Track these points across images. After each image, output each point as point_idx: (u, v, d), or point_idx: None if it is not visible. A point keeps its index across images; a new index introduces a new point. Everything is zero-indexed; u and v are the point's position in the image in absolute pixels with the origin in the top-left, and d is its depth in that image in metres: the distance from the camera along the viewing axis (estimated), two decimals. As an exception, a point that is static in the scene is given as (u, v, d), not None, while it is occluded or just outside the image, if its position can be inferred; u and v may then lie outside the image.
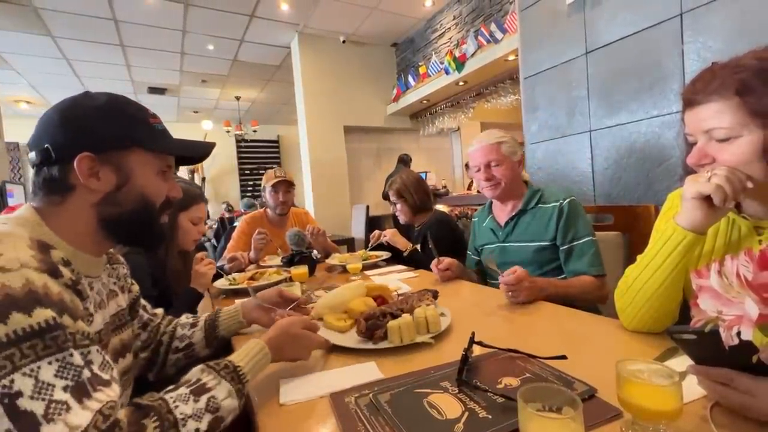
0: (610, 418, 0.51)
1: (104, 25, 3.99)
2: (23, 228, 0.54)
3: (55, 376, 0.42)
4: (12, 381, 0.39)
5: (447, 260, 1.39)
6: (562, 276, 1.24)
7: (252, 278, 1.58)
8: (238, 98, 6.72)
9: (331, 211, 4.92)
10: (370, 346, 0.79)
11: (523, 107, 2.28)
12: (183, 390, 0.52)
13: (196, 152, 0.71)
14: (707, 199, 0.63)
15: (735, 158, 0.62)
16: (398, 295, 1.12)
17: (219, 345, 0.92)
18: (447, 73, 4.17)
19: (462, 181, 6.34)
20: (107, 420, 0.42)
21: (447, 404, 0.56)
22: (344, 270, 1.70)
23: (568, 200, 1.26)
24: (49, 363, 0.42)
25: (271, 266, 1.83)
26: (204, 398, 0.52)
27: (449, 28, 4.45)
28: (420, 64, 4.76)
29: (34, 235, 0.53)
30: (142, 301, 0.87)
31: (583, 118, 1.93)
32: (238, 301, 1.00)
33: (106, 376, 0.47)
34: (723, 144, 0.63)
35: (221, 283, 1.54)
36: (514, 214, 1.35)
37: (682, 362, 0.54)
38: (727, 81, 0.61)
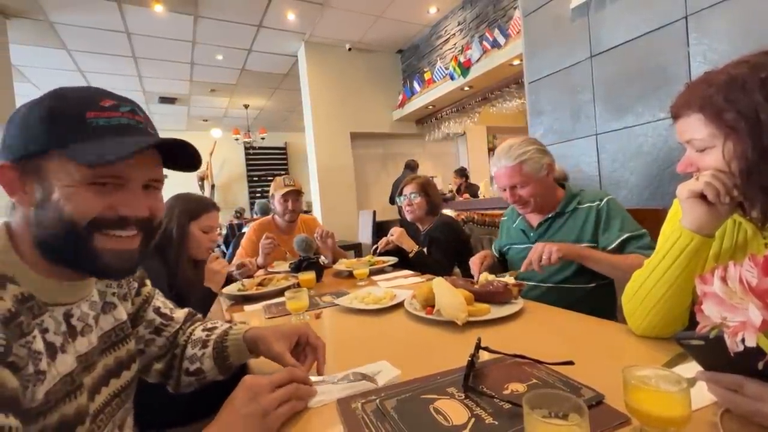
0: (618, 425, 0.50)
1: (117, 37, 4.10)
2: None
3: None
4: None
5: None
6: (592, 285, 1.20)
7: (260, 284, 1.59)
8: (246, 106, 6.82)
9: (339, 216, 4.95)
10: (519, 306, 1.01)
11: (529, 111, 2.28)
12: None
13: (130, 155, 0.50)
14: (702, 197, 0.65)
15: (713, 167, 0.66)
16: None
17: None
18: (452, 78, 4.19)
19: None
20: None
21: (453, 410, 0.56)
22: (351, 275, 1.71)
23: (606, 200, 1.21)
24: None
25: (279, 272, 1.85)
26: None
27: (454, 34, 4.48)
28: (425, 70, 4.80)
29: None
30: (157, 303, 0.79)
31: (589, 122, 1.92)
32: (246, 326, 0.81)
33: None
34: (701, 153, 0.67)
35: (230, 289, 1.55)
36: (548, 216, 1.29)
37: (691, 368, 0.53)
38: (694, 97, 0.66)
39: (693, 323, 0.72)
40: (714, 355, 0.47)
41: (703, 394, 0.51)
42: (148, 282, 0.79)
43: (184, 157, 0.60)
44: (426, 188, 1.95)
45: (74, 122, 0.50)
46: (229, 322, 0.86)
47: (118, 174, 0.52)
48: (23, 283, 0.49)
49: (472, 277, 1.38)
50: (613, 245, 1.15)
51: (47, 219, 0.50)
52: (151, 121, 0.59)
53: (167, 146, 0.57)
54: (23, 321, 0.46)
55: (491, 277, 1.15)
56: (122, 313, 0.68)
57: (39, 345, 0.48)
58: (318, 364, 0.72)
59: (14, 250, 0.51)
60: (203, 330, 0.81)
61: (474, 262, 1.34)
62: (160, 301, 0.81)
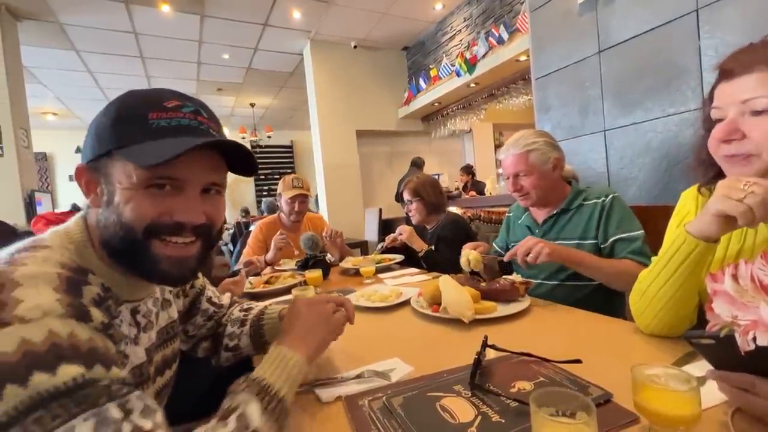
0: (627, 424, 0.50)
1: (125, 38, 4.15)
2: (63, 252, 0.48)
3: None
4: None
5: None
6: (597, 282, 1.17)
7: (268, 282, 1.60)
8: (252, 105, 6.86)
9: (345, 214, 4.97)
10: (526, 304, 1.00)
11: (536, 108, 2.26)
12: (212, 422, 0.47)
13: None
14: (730, 217, 0.57)
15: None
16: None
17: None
18: (458, 75, 4.16)
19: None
20: None
21: (460, 408, 0.56)
22: (357, 273, 1.71)
23: (611, 196, 1.19)
24: (85, 420, 0.37)
25: (286, 270, 1.86)
26: (232, 420, 0.47)
27: (460, 30, 4.45)
28: (431, 67, 4.77)
29: (74, 261, 0.48)
30: (208, 293, 0.85)
31: (597, 118, 1.90)
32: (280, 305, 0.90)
33: (148, 425, 0.41)
34: (759, 118, 0.59)
35: (238, 287, 1.57)
36: (554, 212, 1.27)
37: (700, 367, 0.53)
38: None
39: (701, 321, 0.71)
40: (725, 353, 0.46)
41: (713, 393, 0.50)
42: (199, 274, 0.83)
43: (242, 160, 0.58)
44: (419, 192, 1.92)
45: (137, 123, 0.50)
46: None
47: (175, 176, 0.51)
48: (100, 277, 0.51)
49: (479, 275, 1.37)
50: (607, 243, 1.16)
51: (110, 222, 0.51)
52: (219, 122, 0.57)
53: (228, 150, 0.55)
54: (111, 305, 0.49)
55: (474, 254, 1.20)
56: (175, 311, 0.71)
57: (125, 329, 0.52)
58: (348, 314, 0.74)
59: (91, 245, 0.53)
60: (240, 311, 0.88)
61: (466, 247, 1.33)
62: (210, 290, 0.87)
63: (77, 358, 0.39)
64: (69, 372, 0.38)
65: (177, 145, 0.49)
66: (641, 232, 1.13)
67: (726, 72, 0.63)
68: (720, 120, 0.64)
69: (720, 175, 0.69)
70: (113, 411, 0.39)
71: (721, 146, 0.63)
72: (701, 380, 0.46)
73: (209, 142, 0.52)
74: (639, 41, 1.68)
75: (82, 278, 0.47)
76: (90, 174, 0.52)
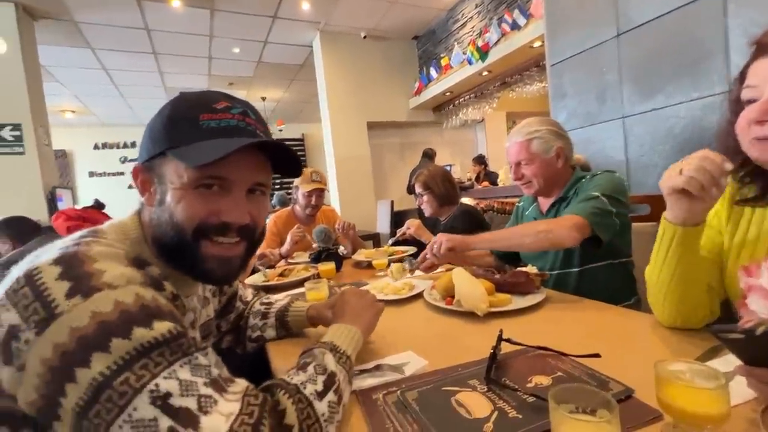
0: (650, 421, 0.49)
1: (137, 34, 4.19)
2: (119, 245, 0.51)
3: (192, 375, 0.42)
4: (157, 385, 0.40)
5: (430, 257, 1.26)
6: (603, 263, 1.15)
7: (281, 275, 1.62)
8: (263, 99, 6.87)
9: (357, 206, 4.97)
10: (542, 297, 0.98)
11: (551, 95, 2.20)
12: (291, 372, 0.54)
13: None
14: (685, 191, 0.60)
15: None
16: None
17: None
18: (470, 63, 4.08)
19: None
20: (257, 398, 0.45)
21: (475, 403, 0.55)
22: (370, 265, 1.71)
23: (599, 173, 1.18)
24: (181, 366, 0.42)
25: (299, 263, 1.88)
26: (310, 367, 0.54)
27: (471, 17, 4.34)
28: (442, 55, 4.69)
29: (131, 252, 0.51)
30: (240, 292, 0.90)
31: (615, 104, 1.84)
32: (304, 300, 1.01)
33: (226, 373, 0.47)
34: None
35: (253, 280, 1.59)
36: (554, 201, 1.26)
37: (725, 362, 0.51)
38: None
39: (724, 314, 0.69)
40: (757, 350, 0.44)
41: (740, 390, 0.48)
42: None
43: (287, 160, 0.60)
44: (429, 184, 1.91)
45: (188, 125, 0.52)
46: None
47: (223, 176, 0.53)
48: (156, 268, 0.53)
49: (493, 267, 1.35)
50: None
51: (163, 221, 0.54)
52: (266, 123, 0.59)
53: (274, 151, 0.57)
54: (170, 286, 0.52)
55: (395, 266, 1.29)
56: (212, 309, 0.75)
57: (183, 308, 0.57)
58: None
59: (145, 241, 0.56)
60: (261, 304, 0.94)
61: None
62: (240, 288, 0.91)
63: (165, 316, 0.44)
64: (162, 327, 0.43)
65: (225, 145, 0.50)
66: (596, 194, 1.08)
67: (764, 46, 0.59)
68: (752, 101, 0.60)
69: (746, 163, 0.65)
70: (201, 359, 0.45)
71: (753, 128, 0.59)
72: (729, 376, 0.44)
73: (256, 142, 0.53)
74: (660, 23, 1.60)
75: (146, 262, 0.51)
76: (145, 174, 0.55)
